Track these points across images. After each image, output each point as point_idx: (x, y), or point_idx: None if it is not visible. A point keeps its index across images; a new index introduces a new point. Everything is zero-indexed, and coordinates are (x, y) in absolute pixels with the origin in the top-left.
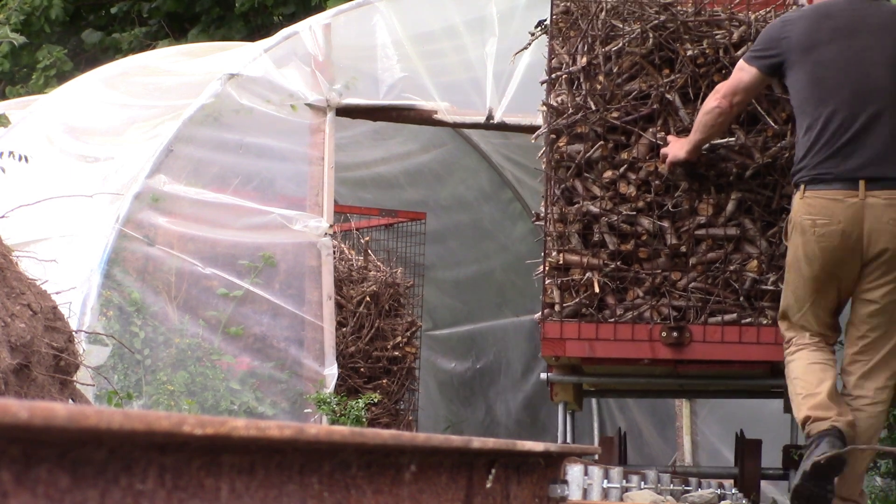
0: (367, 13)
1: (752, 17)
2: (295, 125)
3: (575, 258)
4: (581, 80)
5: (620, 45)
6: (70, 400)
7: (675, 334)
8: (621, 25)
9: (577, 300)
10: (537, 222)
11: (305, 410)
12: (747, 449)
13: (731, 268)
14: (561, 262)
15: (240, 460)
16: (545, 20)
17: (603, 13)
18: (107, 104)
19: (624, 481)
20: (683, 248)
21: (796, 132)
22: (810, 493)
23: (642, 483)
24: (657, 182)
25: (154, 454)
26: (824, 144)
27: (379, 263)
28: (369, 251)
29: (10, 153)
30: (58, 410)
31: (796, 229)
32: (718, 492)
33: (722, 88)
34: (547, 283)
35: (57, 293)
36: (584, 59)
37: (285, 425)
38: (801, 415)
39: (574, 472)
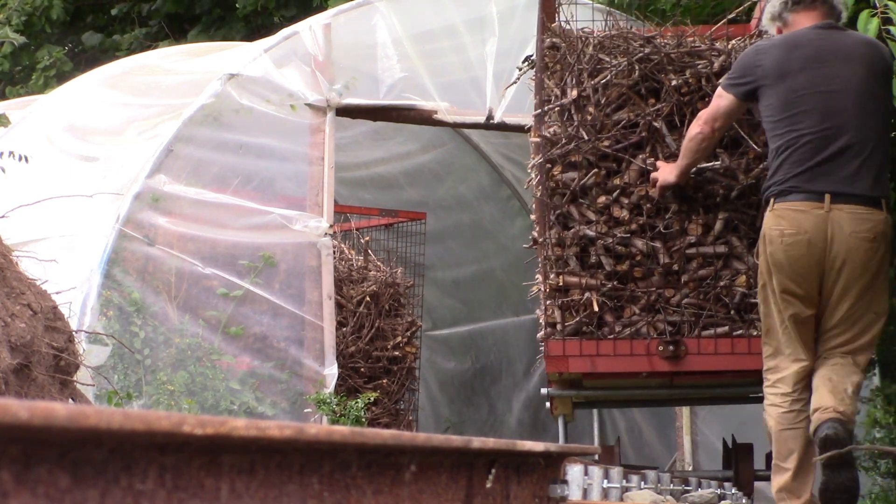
0: (367, 13)
1: (730, 45)
2: (295, 125)
3: (574, 279)
4: (572, 111)
5: (608, 77)
6: (70, 400)
7: (671, 348)
8: (608, 59)
9: (577, 319)
10: (534, 246)
11: (305, 410)
12: (740, 453)
13: (721, 283)
14: (561, 283)
15: (240, 460)
16: (532, 56)
17: (591, 48)
18: (107, 104)
19: (624, 481)
20: (675, 267)
21: (769, 153)
22: (835, 486)
23: (642, 483)
24: (648, 205)
25: (154, 454)
26: (794, 163)
27: (379, 263)
28: (369, 251)
29: (10, 153)
30: (58, 410)
31: (765, 241)
32: (718, 492)
33: (703, 115)
34: (548, 303)
35: (57, 293)
36: (575, 92)
37: (285, 425)
38: (774, 485)
39: (574, 472)
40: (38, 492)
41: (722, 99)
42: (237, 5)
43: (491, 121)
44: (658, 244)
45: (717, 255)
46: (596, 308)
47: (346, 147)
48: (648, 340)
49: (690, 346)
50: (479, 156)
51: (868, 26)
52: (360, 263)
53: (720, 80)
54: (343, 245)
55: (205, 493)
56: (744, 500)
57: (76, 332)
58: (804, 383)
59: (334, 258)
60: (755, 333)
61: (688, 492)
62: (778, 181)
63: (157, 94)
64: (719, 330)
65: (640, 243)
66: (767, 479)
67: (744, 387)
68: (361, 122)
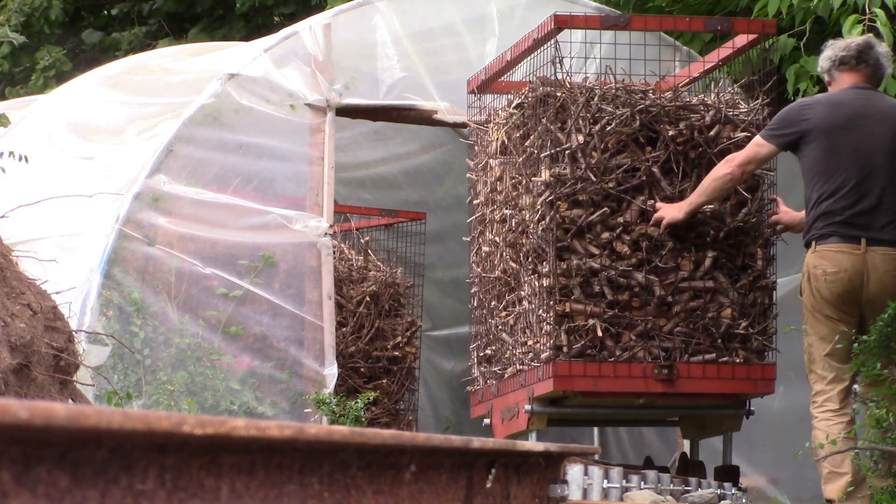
0: (367, 13)
1: (722, 101)
2: (295, 125)
3: (580, 307)
4: (579, 155)
5: (613, 124)
6: (70, 400)
7: (665, 371)
8: (611, 109)
9: (581, 343)
10: (536, 277)
11: (305, 410)
12: (694, 469)
13: (709, 315)
14: (568, 310)
15: (240, 460)
16: (524, 103)
17: (596, 98)
18: (107, 103)
19: (624, 481)
20: (669, 298)
21: (807, 198)
22: None
23: (642, 483)
24: (647, 242)
25: (154, 454)
26: (834, 213)
27: (379, 263)
28: (369, 251)
29: (10, 153)
30: (58, 410)
31: (811, 279)
32: (718, 492)
33: (737, 158)
34: (555, 328)
35: (57, 293)
36: (581, 137)
37: (285, 425)
38: (827, 494)
39: (574, 472)
40: (38, 492)
41: (762, 147)
42: (236, 3)
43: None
44: (654, 277)
45: (706, 289)
46: (599, 333)
47: (345, 147)
48: (644, 364)
49: (682, 371)
50: None
51: (852, 30)
52: (360, 263)
53: (761, 131)
54: (343, 245)
55: (205, 493)
56: (744, 500)
57: (76, 332)
58: (848, 400)
59: (334, 258)
60: (738, 361)
61: (688, 492)
62: (818, 226)
63: (157, 93)
64: (707, 357)
65: (638, 276)
66: None
67: (720, 409)
68: (361, 123)
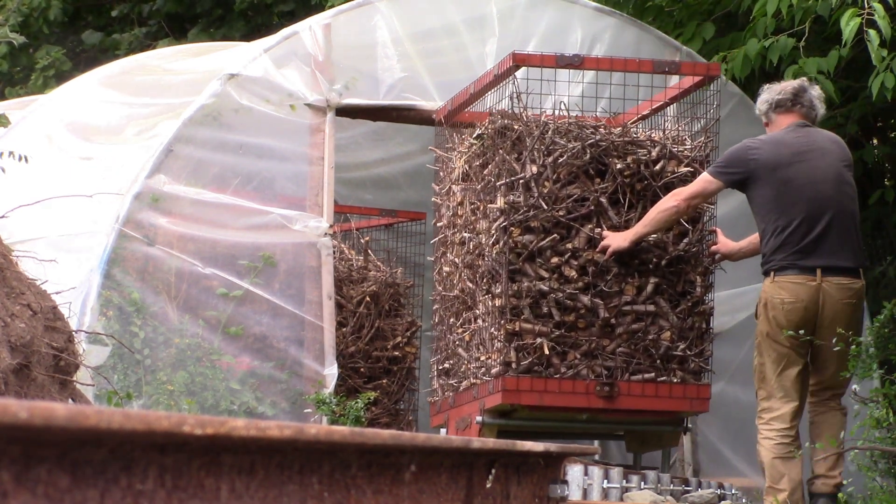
0: (367, 13)
1: (666, 137)
2: (295, 125)
3: (528, 326)
4: (532, 184)
5: (565, 157)
6: (70, 400)
7: (606, 389)
8: (563, 142)
9: (529, 360)
10: (490, 297)
11: (305, 410)
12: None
13: (650, 337)
14: (517, 328)
15: (240, 460)
16: (483, 133)
17: (550, 131)
18: (106, 103)
19: (624, 481)
20: (612, 321)
21: (762, 231)
22: None
23: (642, 483)
24: (593, 268)
25: (154, 454)
26: (790, 244)
27: (379, 263)
28: (369, 251)
29: (10, 153)
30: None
31: (768, 306)
32: (718, 492)
33: (684, 192)
34: (505, 345)
35: (57, 293)
36: (535, 168)
37: (285, 425)
38: None
39: (574, 472)
40: (38, 492)
41: (710, 184)
42: (236, 1)
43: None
44: (599, 300)
45: (647, 312)
46: (546, 351)
47: (345, 148)
48: (587, 381)
49: (623, 388)
50: None
51: (849, 23)
52: (360, 263)
53: (708, 168)
54: (343, 245)
55: (205, 493)
56: (744, 500)
57: (76, 332)
58: (796, 420)
59: (334, 258)
60: (675, 381)
61: (688, 492)
62: (777, 258)
63: (157, 93)
64: (646, 376)
65: (584, 299)
66: None
67: (658, 426)
68: (361, 123)
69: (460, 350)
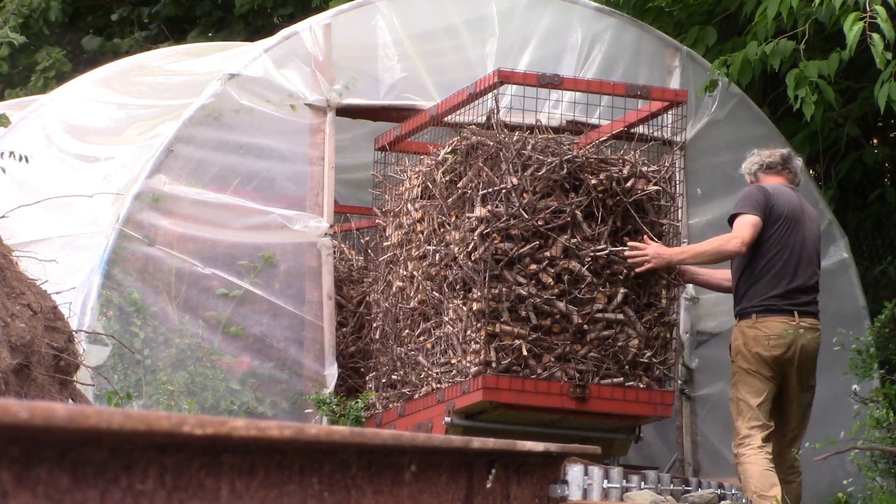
0: (367, 13)
1: (637, 157)
2: (295, 125)
3: (508, 328)
4: (513, 195)
5: (543, 171)
6: (70, 400)
7: (578, 391)
8: (542, 157)
9: (508, 360)
10: (474, 301)
11: (306, 411)
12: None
13: (619, 343)
14: (497, 330)
15: (240, 460)
16: (457, 149)
17: (530, 146)
18: (106, 104)
19: (624, 481)
20: (585, 326)
21: (745, 267)
22: None
23: (642, 483)
24: (568, 276)
25: (154, 454)
26: (772, 287)
27: None
28: (369, 251)
29: (10, 153)
30: (58, 410)
31: (748, 343)
32: (718, 492)
33: (745, 237)
34: (485, 346)
35: (57, 293)
36: (515, 180)
37: (285, 425)
38: None
39: (574, 472)
40: (38, 492)
41: (757, 222)
42: (235, 4)
43: (491, 121)
44: (573, 307)
45: (617, 321)
46: (524, 353)
47: (345, 149)
48: (561, 383)
49: (594, 391)
50: None
51: (852, 28)
52: (360, 263)
53: (737, 211)
54: (343, 245)
55: (205, 493)
56: (744, 501)
57: (76, 332)
58: (770, 442)
59: (334, 258)
60: (641, 386)
61: (688, 492)
62: (757, 301)
63: (157, 94)
64: (615, 380)
65: (560, 305)
66: None
67: (612, 433)
68: (361, 124)
69: (420, 358)
